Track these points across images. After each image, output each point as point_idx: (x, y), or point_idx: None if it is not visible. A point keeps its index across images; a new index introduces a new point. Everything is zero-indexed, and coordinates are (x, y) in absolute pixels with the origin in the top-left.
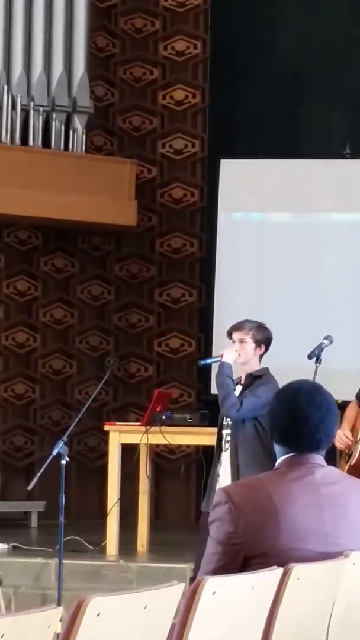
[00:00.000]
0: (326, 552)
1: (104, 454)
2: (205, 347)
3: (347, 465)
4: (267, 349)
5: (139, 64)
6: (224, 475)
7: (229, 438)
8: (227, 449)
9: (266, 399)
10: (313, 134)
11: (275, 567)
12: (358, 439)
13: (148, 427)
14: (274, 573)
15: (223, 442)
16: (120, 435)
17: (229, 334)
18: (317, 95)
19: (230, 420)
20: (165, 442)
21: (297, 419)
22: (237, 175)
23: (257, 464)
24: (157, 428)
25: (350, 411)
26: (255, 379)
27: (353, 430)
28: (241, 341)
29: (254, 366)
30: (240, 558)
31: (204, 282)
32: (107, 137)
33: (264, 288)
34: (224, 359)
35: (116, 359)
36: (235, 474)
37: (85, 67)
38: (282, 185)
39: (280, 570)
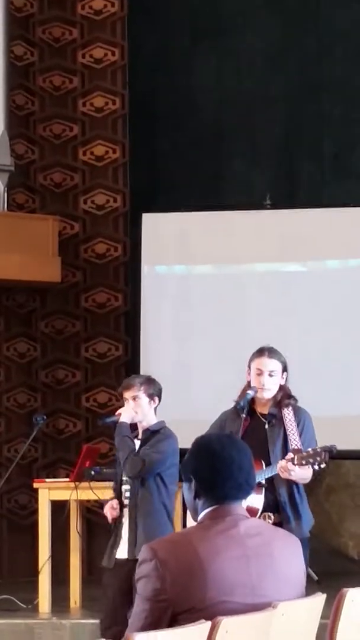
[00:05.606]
0: (254, 603)
1: (35, 511)
2: None
3: None
4: (159, 400)
5: (59, 121)
6: (126, 531)
7: (128, 494)
8: (126, 505)
9: (167, 455)
10: (234, 186)
11: (203, 621)
12: None
13: (77, 483)
14: (202, 627)
15: (122, 498)
16: (49, 492)
17: (121, 395)
18: (236, 148)
19: (129, 478)
20: (95, 498)
21: (231, 470)
22: (159, 229)
23: (155, 521)
24: (86, 484)
25: None
26: (153, 433)
27: None
28: (134, 398)
29: (151, 420)
30: (169, 614)
31: (129, 336)
32: (28, 195)
33: (189, 340)
34: (121, 419)
35: (44, 416)
36: (134, 530)
37: (5, 126)
38: (205, 238)
39: (208, 624)
